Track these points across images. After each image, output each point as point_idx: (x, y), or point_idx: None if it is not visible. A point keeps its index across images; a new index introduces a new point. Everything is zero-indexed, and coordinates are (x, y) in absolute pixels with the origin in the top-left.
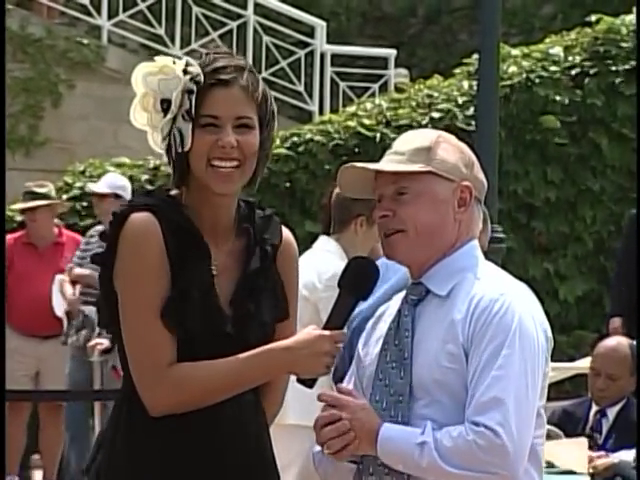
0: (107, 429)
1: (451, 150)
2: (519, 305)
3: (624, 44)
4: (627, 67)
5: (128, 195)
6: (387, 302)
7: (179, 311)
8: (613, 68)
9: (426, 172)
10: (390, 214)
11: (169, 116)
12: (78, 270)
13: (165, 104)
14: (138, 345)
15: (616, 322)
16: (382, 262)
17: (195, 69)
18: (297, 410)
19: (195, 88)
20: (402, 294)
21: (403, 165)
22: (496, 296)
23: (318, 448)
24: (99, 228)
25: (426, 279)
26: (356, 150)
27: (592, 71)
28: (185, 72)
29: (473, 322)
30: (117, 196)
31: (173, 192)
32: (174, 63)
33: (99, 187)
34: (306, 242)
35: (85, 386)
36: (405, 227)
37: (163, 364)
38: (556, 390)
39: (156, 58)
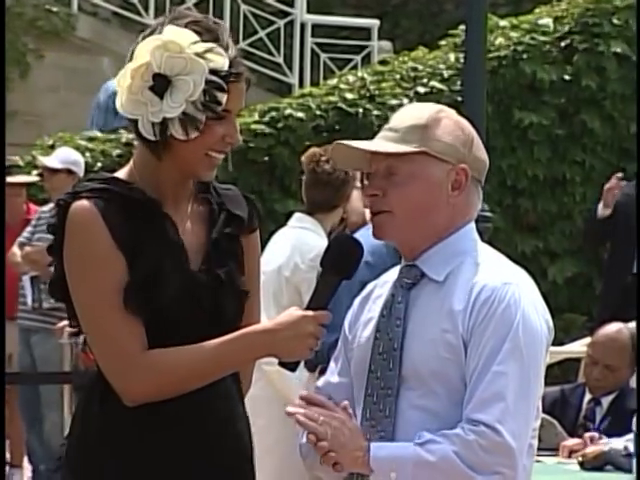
0: (77, 413)
1: (449, 128)
2: (522, 296)
3: (616, 20)
4: (618, 50)
5: (81, 171)
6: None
7: (146, 293)
8: (601, 49)
9: (419, 152)
10: (380, 193)
11: (178, 100)
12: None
13: (159, 78)
14: (103, 338)
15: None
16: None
17: (221, 61)
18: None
19: (217, 80)
20: (394, 273)
21: (395, 145)
22: (499, 285)
23: (304, 440)
24: (51, 206)
25: (421, 262)
26: (337, 127)
27: (582, 47)
28: (202, 57)
29: (475, 313)
30: (70, 172)
31: (118, 173)
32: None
33: (51, 161)
34: (285, 220)
35: (30, 369)
36: (392, 208)
37: (133, 352)
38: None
39: (166, 30)
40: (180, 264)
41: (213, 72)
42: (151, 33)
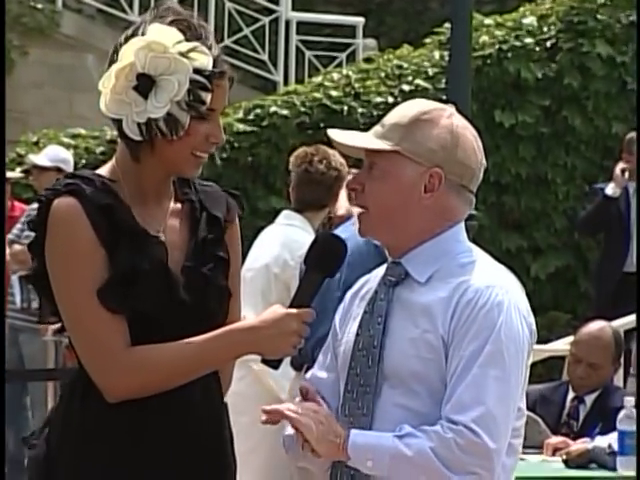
0: (59, 408)
1: (432, 131)
2: (506, 299)
3: (600, 16)
4: (601, 51)
5: (70, 169)
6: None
7: (124, 290)
8: (586, 49)
9: (392, 151)
10: (359, 188)
11: (162, 100)
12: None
13: (143, 78)
14: (85, 335)
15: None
16: (341, 231)
17: (205, 60)
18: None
19: (201, 79)
20: (383, 269)
21: (374, 141)
22: (482, 287)
23: (288, 432)
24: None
25: (406, 261)
26: (322, 125)
27: (566, 46)
28: (186, 57)
29: (457, 315)
30: (59, 170)
31: (100, 170)
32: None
33: (40, 159)
34: (270, 218)
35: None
36: (367, 205)
37: (115, 349)
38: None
39: (150, 28)
40: (160, 262)
41: (197, 71)
42: (135, 31)
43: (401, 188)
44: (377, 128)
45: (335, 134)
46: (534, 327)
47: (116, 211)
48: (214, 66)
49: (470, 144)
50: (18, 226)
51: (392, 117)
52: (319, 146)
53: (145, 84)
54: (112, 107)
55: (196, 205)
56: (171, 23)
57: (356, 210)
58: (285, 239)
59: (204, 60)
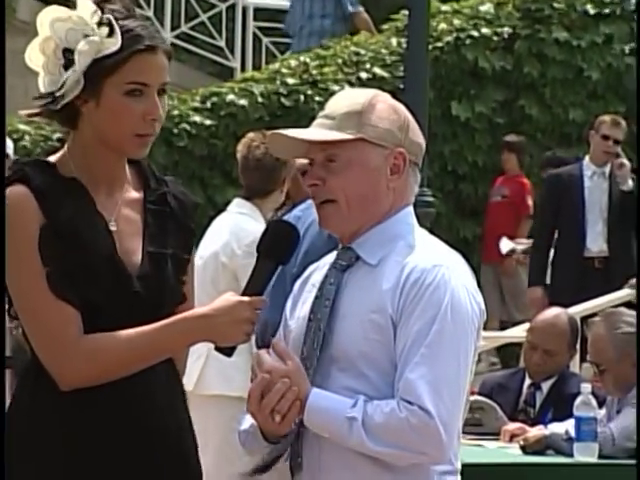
0: (13, 398)
1: (385, 113)
2: (452, 277)
3: (556, 4)
4: (558, 37)
5: (11, 154)
6: (316, 261)
7: (74, 279)
8: (543, 35)
9: (356, 139)
10: (320, 183)
11: (74, 72)
12: None
13: (68, 54)
14: (37, 323)
15: (537, 292)
16: (293, 216)
17: (112, 26)
18: (215, 380)
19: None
20: (333, 255)
21: (331, 132)
22: (429, 267)
23: (244, 426)
24: None
25: (357, 245)
26: (279, 113)
27: (523, 33)
28: (100, 26)
29: (404, 294)
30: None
31: (51, 158)
32: (94, 13)
33: None
34: (226, 206)
35: None
36: (335, 197)
37: (68, 337)
38: (486, 361)
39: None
40: (110, 251)
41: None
42: None
43: (369, 174)
44: (324, 121)
45: (289, 131)
46: (483, 306)
47: (66, 199)
48: (143, 40)
49: (414, 123)
50: None
51: (340, 107)
52: (262, 131)
53: (69, 59)
54: (50, 87)
55: (150, 192)
56: None
57: (316, 205)
58: (233, 227)
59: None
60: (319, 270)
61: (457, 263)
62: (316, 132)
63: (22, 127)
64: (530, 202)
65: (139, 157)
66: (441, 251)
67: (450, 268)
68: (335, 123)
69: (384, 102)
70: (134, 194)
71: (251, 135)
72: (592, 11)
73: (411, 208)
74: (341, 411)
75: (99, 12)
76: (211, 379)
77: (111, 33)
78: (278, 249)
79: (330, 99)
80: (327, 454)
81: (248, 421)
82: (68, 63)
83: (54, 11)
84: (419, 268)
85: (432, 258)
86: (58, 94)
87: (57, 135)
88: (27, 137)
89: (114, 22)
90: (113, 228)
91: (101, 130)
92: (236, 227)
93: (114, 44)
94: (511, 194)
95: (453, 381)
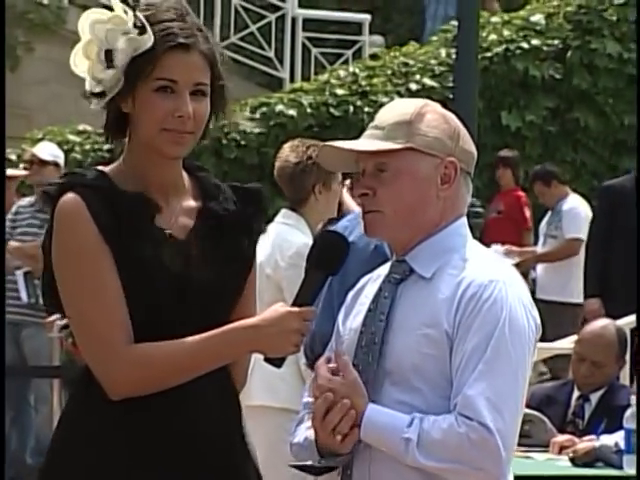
0: (68, 408)
1: (434, 122)
2: (509, 293)
3: (607, 15)
4: (609, 48)
5: (62, 164)
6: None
7: (129, 289)
8: (594, 46)
9: (406, 149)
10: (370, 193)
11: (115, 70)
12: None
13: (109, 54)
14: (88, 330)
15: (594, 304)
16: (341, 226)
17: (143, 24)
18: (262, 391)
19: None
20: (387, 267)
21: (381, 142)
22: (485, 282)
23: (297, 439)
24: (30, 200)
25: (410, 258)
26: (328, 124)
27: (574, 44)
28: (135, 26)
29: (461, 309)
30: (57, 165)
31: (105, 168)
32: (126, 13)
33: (42, 152)
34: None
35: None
36: (382, 208)
37: (118, 345)
38: (534, 371)
39: (110, 5)
40: (165, 262)
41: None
42: None
43: (419, 184)
44: (374, 132)
45: (338, 143)
46: (538, 321)
47: (121, 209)
48: (176, 38)
49: (465, 132)
50: (7, 223)
51: (389, 117)
52: (304, 140)
53: (111, 60)
54: (95, 89)
55: (213, 203)
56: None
57: (363, 213)
58: (276, 239)
59: (143, 24)
60: (372, 282)
61: (512, 277)
62: (365, 143)
63: (72, 138)
64: (528, 214)
65: (176, 156)
66: (496, 264)
67: (507, 283)
68: (384, 133)
69: (434, 111)
70: (192, 203)
71: (287, 144)
72: None
73: (464, 219)
74: (398, 430)
75: (132, 12)
76: (256, 390)
77: (144, 31)
78: (328, 260)
79: (379, 110)
80: (377, 465)
81: (302, 434)
82: (110, 64)
83: (93, 14)
84: (476, 283)
85: (488, 272)
86: (97, 90)
87: (107, 146)
88: (77, 148)
89: (145, 21)
90: (170, 237)
91: (138, 129)
92: (279, 238)
93: (148, 41)
94: (507, 208)
95: (511, 397)
